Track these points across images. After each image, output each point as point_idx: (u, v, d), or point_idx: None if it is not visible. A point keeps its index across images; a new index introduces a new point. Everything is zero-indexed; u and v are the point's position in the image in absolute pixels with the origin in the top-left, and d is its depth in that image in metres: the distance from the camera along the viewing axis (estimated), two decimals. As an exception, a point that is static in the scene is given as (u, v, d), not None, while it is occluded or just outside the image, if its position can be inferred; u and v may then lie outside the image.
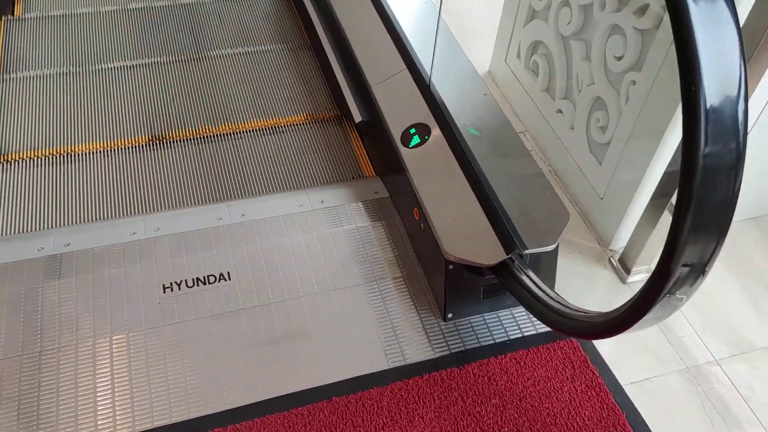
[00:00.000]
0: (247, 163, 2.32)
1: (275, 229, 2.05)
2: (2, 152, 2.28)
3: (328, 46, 2.77)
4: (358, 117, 2.47)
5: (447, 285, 1.75)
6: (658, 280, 1.01)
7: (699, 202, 0.94)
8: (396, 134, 2.07)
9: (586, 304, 1.80)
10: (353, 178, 2.34)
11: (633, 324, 1.12)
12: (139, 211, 2.11)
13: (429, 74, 2.10)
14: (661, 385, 1.81)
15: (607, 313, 1.21)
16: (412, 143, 2.01)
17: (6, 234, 2.00)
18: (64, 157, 2.28)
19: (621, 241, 2.06)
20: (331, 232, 2.05)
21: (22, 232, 2.00)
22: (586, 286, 2.03)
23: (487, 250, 1.66)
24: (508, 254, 1.62)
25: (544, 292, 1.49)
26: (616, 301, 2.03)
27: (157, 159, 2.30)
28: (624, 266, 2.02)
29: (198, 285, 1.85)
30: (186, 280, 1.85)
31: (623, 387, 1.77)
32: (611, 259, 2.07)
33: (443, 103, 2.06)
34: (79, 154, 2.29)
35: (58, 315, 1.73)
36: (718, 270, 2.07)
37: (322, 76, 2.74)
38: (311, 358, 1.71)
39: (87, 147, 2.33)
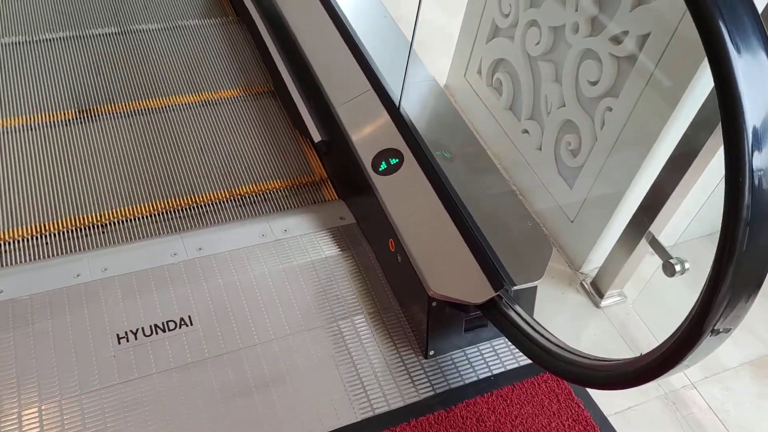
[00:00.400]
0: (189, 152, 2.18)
1: (237, 263, 1.90)
2: None
3: (283, 66, 2.63)
4: (317, 137, 2.34)
5: (430, 322, 1.67)
6: (690, 337, 0.97)
7: (740, 258, 0.89)
8: (366, 159, 1.96)
9: (560, 329, 1.76)
10: (315, 202, 2.22)
11: (652, 380, 1.07)
12: (71, 212, 1.95)
13: (399, 97, 2.01)
14: (643, 413, 1.80)
15: (623, 364, 1.16)
16: (384, 169, 1.91)
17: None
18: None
19: (593, 263, 2.05)
20: (299, 265, 1.92)
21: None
22: (559, 310, 2.00)
23: (474, 287, 1.58)
24: (496, 291, 1.55)
25: (539, 333, 1.43)
26: (590, 326, 2.03)
27: (88, 141, 2.18)
28: (597, 290, 2.00)
29: (157, 333, 1.67)
30: (143, 328, 1.67)
31: (608, 418, 1.74)
32: (583, 282, 2.05)
33: (414, 127, 1.97)
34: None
35: (-5, 377, 1.52)
36: (682, 290, 2.08)
37: (279, 104, 2.60)
38: (289, 410, 1.58)
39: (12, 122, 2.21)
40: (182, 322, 1.71)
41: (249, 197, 2.15)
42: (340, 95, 2.19)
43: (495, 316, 1.56)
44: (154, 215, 2.04)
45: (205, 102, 2.45)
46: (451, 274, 1.64)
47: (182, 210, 2.07)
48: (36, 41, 2.58)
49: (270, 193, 2.18)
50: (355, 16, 2.41)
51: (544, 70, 2.09)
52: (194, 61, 2.62)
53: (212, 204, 2.11)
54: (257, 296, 1.81)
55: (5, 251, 1.85)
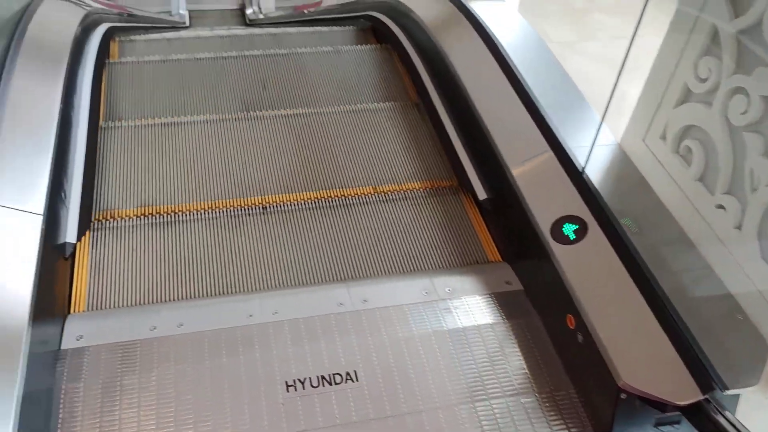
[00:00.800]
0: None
1: (401, 320, 1.84)
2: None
3: (442, 109, 2.62)
4: (482, 194, 2.27)
5: (616, 415, 1.50)
6: None
7: None
8: (543, 225, 1.85)
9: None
10: (477, 262, 2.14)
11: None
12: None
13: (584, 161, 1.89)
14: None
15: None
16: (566, 237, 1.79)
17: (117, 302, 1.86)
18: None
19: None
20: (464, 329, 1.83)
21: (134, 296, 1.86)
22: (763, 420, 1.74)
23: (676, 385, 1.41)
24: (704, 393, 1.36)
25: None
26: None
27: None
28: (814, 401, 1.73)
29: (323, 385, 1.64)
30: (310, 378, 1.65)
31: None
32: (795, 389, 1.78)
33: (599, 194, 1.84)
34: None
35: (174, 409, 1.55)
36: None
37: (440, 146, 2.58)
38: (456, 490, 1.48)
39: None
40: (348, 377, 1.67)
41: (391, 195, 2.32)
42: (513, 153, 2.11)
43: (701, 421, 1.37)
44: (307, 203, 2.27)
45: (354, 110, 2.71)
46: (646, 364, 1.47)
47: (331, 200, 2.28)
48: (219, 57, 3.06)
49: (410, 192, 2.35)
50: (528, 69, 2.34)
51: (751, 142, 1.89)
52: (347, 80, 2.98)
53: (358, 197, 2.30)
54: (421, 358, 1.74)
55: (183, 221, 2.16)
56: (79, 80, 2.55)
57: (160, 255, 2.03)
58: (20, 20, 2.41)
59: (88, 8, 2.97)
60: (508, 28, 2.65)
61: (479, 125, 2.28)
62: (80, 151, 2.21)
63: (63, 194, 1.91)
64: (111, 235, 2.09)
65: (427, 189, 2.36)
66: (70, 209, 1.93)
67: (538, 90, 2.24)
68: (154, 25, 4.97)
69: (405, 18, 3.20)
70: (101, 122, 2.56)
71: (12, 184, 1.71)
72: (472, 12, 2.71)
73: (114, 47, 3.38)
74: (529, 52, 2.52)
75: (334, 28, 4.00)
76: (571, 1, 3.34)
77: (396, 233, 2.20)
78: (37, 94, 2.16)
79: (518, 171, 2.03)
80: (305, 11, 6.15)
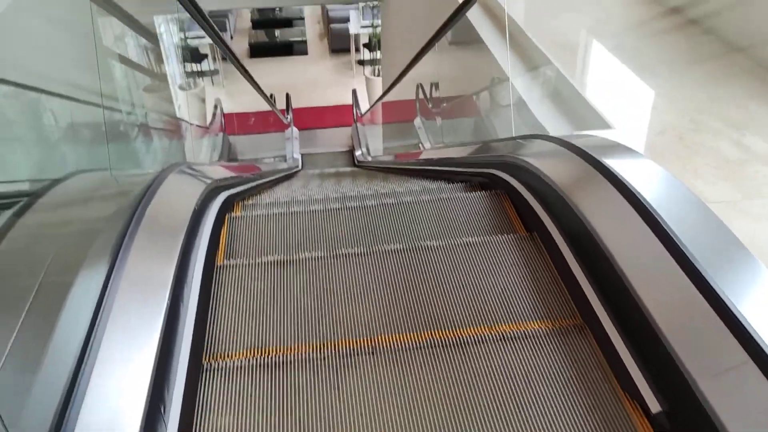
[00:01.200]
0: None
1: None
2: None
3: (597, 301, 2.23)
4: (656, 406, 1.81)
5: None
6: None
7: None
8: (761, 473, 1.37)
9: None
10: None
11: None
12: None
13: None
14: None
15: None
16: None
17: None
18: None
19: None
20: None
21: None
22: None
23: None
24: None
25: None
26: None
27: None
28: None
29: None
30: None
31: None
32: None
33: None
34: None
35: None
36: None
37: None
38: None
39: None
40: None
41: (508, 333, 2.12)
42: (699, 362, 1.68)
43: None
44: (417, 343, 2.09)
45: (462, 243, 2.57)
46: None
47: (443, 341, 2.08)
48: (330, 209, 3.10)
49: (531, 332, 2.13)
50: (696, 242, 1.94)
51: None
52: (456, 218, 2.94)
53: (471, 338, 2.11)
54: None
55: (288, 362, 2.02)
56: (193, 255, 2.44)
57: (267, 412, 1.88)
58: (142, 199, 2.37)
59: (208, 180, 2.97)
60: (656, 185, 2.30)
61: (641, 313, 1.88)
62: (186, 342, 2.02)
63: (162, 407, 1.67)
64: (216, 379, 1.99)
65: (549, 329, 2.12)
66: (168, 424, 1.69)
67: (716, 273, 1.82)
68: (270, 178, 5.09)
69: (530, 176, 2.94)
70: (218, 262, 2.57)
71: (104, 403, 1.49)
72: (613, 171, 2.38)
73: (235, 207, 3.41)
74: (690, 216, 2.13)
75: (443, 184, 3.85)
76: (721, 152, 2.95)
77: (523, 392, 1.91)
78: (148, 279, 2.03)
79: (711, 389, 1.59)
80: (412, 159, 6.18)
